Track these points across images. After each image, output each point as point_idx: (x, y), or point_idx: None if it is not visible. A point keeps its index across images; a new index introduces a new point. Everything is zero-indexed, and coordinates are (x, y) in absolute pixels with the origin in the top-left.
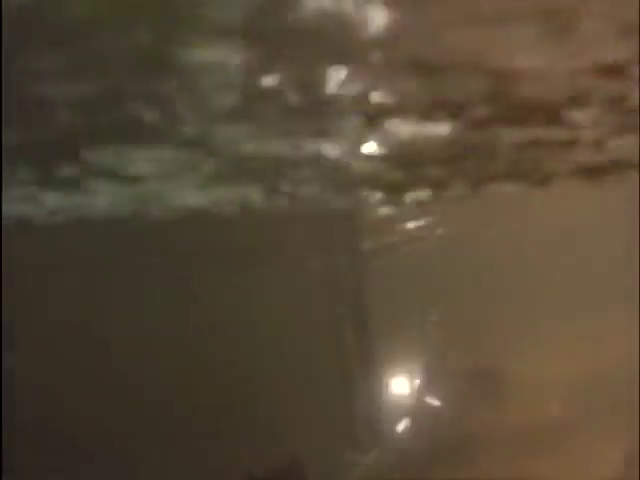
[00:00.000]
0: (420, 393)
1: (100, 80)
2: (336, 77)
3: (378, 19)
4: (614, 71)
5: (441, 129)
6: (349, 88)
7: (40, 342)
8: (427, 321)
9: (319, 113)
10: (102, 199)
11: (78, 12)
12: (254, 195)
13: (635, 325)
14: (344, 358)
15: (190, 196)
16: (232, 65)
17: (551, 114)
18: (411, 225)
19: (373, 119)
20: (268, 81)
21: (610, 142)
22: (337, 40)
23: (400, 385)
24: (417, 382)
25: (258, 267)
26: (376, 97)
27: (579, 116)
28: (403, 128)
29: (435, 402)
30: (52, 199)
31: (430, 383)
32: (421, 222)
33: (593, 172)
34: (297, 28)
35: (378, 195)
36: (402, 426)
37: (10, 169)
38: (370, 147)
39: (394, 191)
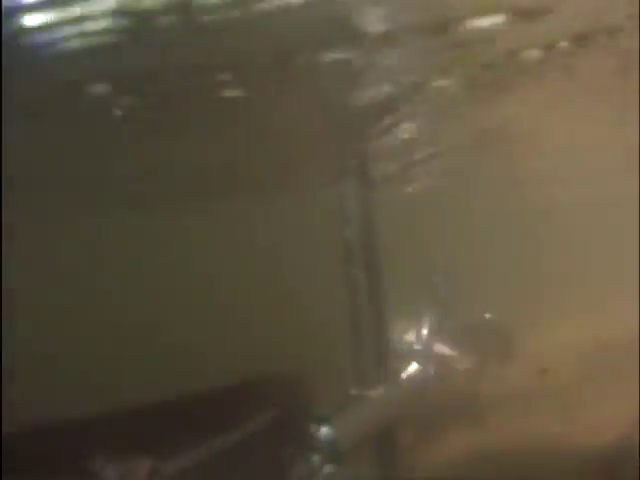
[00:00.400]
0: (428, 340)
1: None
2: None
3: None
4: None
5: None
6: None
7: None
8: (436, 269)
9: None
10: None
11: None
12: None
13: None
14: (353, 292)
15: None
16: None
17: None
18: (422, 153)
19: None
20: None
21: None
22: None
23: (409, 328)
24: (425, 328)
25: (268, 194)
26: None
27: None
28: None
29: (443, 350)
30: None
31: (438, 331)
32: (432, 150)
33: None
34: None
35: None
36: (409, 369)
37: None
38: None
39: None
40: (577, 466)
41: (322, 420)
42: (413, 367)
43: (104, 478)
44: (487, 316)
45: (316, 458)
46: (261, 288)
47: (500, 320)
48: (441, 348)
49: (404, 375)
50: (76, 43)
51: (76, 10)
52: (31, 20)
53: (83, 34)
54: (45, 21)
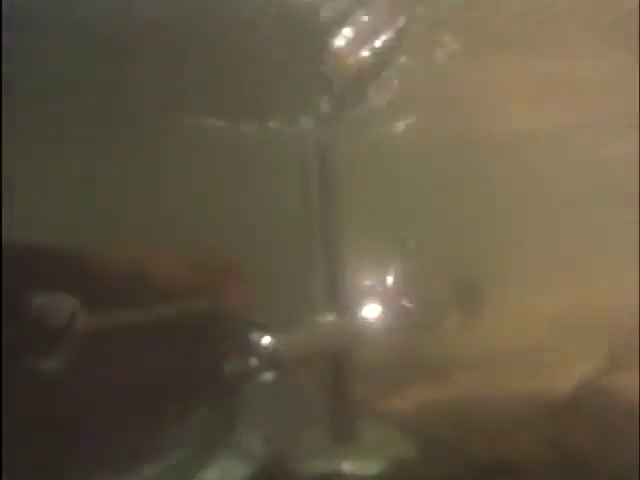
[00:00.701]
0: (392, 286)
1: None
2: None
3: None
4: None
5: None
6: None
7: None
8: (404, 218)
9: None
10: None
11: None
12: None
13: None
14: (308, 221)
15: None
16: None
17: None
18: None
19: None
20: None
21: None
22: None
23: (372, 270)
24: (390, 274)
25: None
26: None
27: None
28: None
29: (406, 299)
30: None
31: (403, 280)
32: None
33: None
34: None
35: None
36: (367, 308)
37: None
38: None
39: None
40: (536, 412)
41: (265, 328)
42: (371, 307)
43: (22, 312)
44: (455, 271)
45: (254, 362)
46: (218, 211)
47: (468, 276)
48: (404, 297)
49: (359, 312)
50: None
51: None
52: None
53: None
54: None
